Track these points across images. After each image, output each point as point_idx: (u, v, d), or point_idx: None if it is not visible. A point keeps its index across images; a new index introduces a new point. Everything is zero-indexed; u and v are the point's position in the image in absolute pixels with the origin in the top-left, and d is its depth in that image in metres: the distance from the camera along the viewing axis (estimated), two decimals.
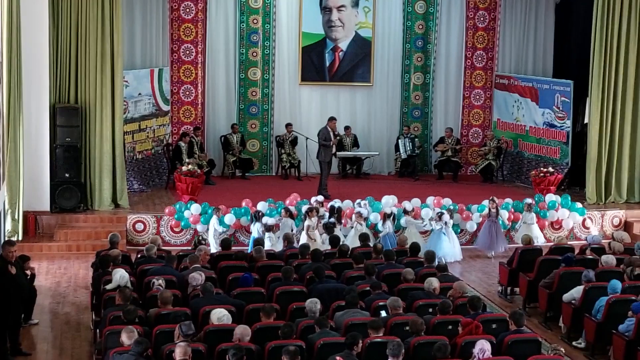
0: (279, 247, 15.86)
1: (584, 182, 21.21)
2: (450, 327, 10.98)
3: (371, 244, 15.21)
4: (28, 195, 17.81)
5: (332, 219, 17.08)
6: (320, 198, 18.25)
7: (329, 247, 15.20)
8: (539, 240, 17.99)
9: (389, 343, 9.68)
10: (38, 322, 13.52)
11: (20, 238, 17.30)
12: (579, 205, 19.62)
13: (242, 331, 10.08)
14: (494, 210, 18.02)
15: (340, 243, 15.11)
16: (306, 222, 16.89)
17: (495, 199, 18.19)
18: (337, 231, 16.59)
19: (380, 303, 11.58)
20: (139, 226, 18.15)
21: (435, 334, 10.71)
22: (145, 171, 21.09)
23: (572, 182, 22.14)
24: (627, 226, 19.85)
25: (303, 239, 16.68)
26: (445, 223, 17.52)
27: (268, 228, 16.81)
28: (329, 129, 20.20)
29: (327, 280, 12.59)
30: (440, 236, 17.34)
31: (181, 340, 9.87)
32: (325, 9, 23.13)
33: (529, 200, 18.67)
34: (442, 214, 17.66)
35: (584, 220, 19.67)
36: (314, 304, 11.02)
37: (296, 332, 10.52)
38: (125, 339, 9.87)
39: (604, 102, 20.47)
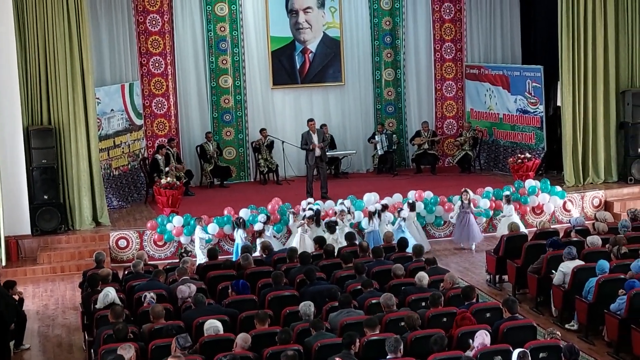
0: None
1: (560, 166, 21.35)
2: (445, 319, 11.02)
3: (357, 242, 15.22)
4: (8, 220, 17.67)
5: (334, 218, 17.05)
6: (310, 201, 18.19)
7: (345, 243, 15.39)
8: (520, 230, 17.92)
9: (387, 340, 9.71)
10: (30, 347, 13.44)
11: (3, 264, 17.18)
12: (558, 188, 19.71)
13: (244, 338, 10.06)
14: (466, 202, 18.02)
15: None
16: (305, 226, 16.92)
17: (468, 190, 18.22)
18: (322, 231, 16.63)
19: (373, 301, 11.59)
20: (122, 243, 18.05)
21: (430, 327, 10.73)
22: (123, 187, 20.98)
23: (549, 166, 22.27)
24: (607, 206, 19.95)
25: (293, 242, 16.71)
26: (404, 219, 17.37)
27: (259, 233, 16.77)
28: (310, 132, 20.13)
29: (318, 282, 12.59)
30: (399, 234, 16.93)
31: (177, 353, 9.84)
32: (292, 12, 23.12)
33: (507, 192, 18.65)
34: (400, 209, 17.59)
35: (565, 203, 19.74)
36: (307, 307, 11.01)
37: (292, 336, 10.51)
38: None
39: (575, 85, 20.58)
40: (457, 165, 23.38)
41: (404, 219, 17.29)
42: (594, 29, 20.54)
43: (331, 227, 16.43)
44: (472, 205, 18.10)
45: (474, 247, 18.04)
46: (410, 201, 17.91)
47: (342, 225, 16.98)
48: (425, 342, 10.03)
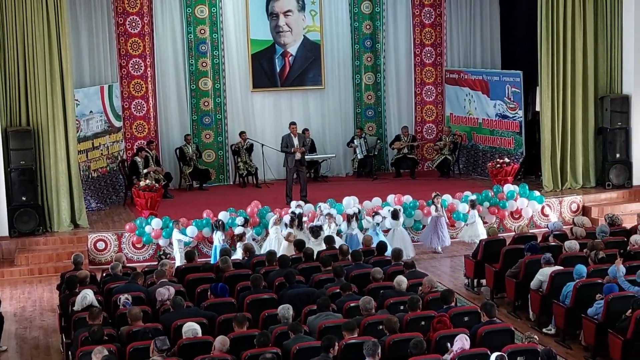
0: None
1: (538, 171, 21.47)
2: (423, 323, 11.03)
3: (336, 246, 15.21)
4: None
5: (319, 222, 16.99)
6: (300, 204, 18.11)
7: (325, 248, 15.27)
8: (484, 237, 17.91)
9: (365, 343, 9.71)
10: (7, 349, 13.37)
11: None
12: (537, 193, 19.78)
13: (222, 342, 10.05)
14: (438, 205, 18.03)
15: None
16: (288, 230, 16.85)
17: (438, 194, 18.23)
18: (304, 235, 16.59)
19: (352, 304, 11.59)
20: (100, 245, 17.97)
21: (409, 331, 10.74)
22: (102, 189, 20.90)
23: (527, 171, 22.38)
24: (585, 211, 20.05)
25: (271, 245, 16.69)
26: (377, 224, 17.23)
27: (239, 237, 16.73)
28: (291, 135, 20.13)
29: (297, 285, 12.57)
30: (374, 237, 16.77)
31: (156, 355, 9.83)
32: (272, 15, 23.10)
33: (472, 197, 18.59)
34: (376, 213, 17.54)
35: (543, 208, 19.82)
36: (286, 310, 11.01)
37: (271, 339, 10.49)
38: None
39: (554, 90, 20.68)
40: (436, 169, 23.42)
41: (378, 224, 17.23)
42: (573, 34, 20.65)
43: (315, 232, 16.30)
44: (440, 208, 18.11)
45: (439, 249, 18.15)
46: (393, 209, 17.85)
47: (330, 230, 16.91)
48: (404, 346, 10.05)
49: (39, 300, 15.91)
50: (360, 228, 17.45)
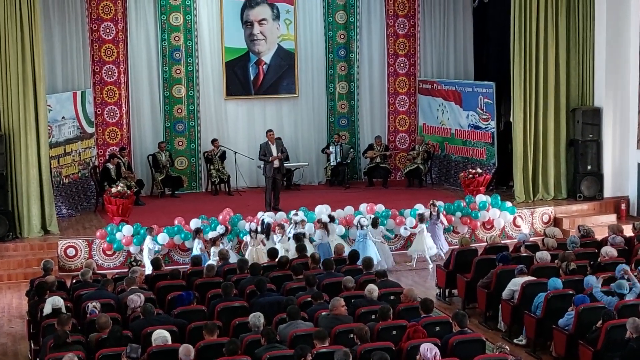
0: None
1: (510, 182, 21.55)
2: (394, 332, 11.03)
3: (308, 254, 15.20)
4: None
5: (302, 229, 16.91)
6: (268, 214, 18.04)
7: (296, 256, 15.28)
8: (432, 251, 17.81)
9: (336, 352, 9.67)
10: None
11: None
12: (509, 204, 19.86)
13: (185, 351, 9.98)
14: (434, 214, 18.09)
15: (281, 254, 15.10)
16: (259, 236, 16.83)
17: (435, 202, 18.29)
18: (274, 243, 16.57)
19: (323, 313, 11.56)
20: (71, 251, 17.86)
21: (380, 340, 10.73)
22: (73, 195, 20.78)
23: (500, 182, 22.46)
24: (556, 222, 20.16)
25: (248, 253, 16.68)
26: (328, 233, 17.20)
27: (213, 242, 16.67)
28: (269, 143, 20.10)
29: (268, 294, 12.53)
30: (322, 247, 16.91)
31: None
32: (247, 23, 23.08)
33: (420, 212, 18.40)
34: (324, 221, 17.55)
35: (515, 218, 19.90)
36: (257, 318, 10.96)
37: (241, 347, 10.44)
38: None
39: (526, 101, 20.79)
40: (405, 177, 23.40)
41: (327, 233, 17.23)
42: (545, 47, 20.77)
43: (299, 238, 16.26)
44: (441, 216, 18.19)
45: (442, 254, 18.07)
46: (373, 217, 17.80)
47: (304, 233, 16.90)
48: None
49: (7, 306, 15.78)
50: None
